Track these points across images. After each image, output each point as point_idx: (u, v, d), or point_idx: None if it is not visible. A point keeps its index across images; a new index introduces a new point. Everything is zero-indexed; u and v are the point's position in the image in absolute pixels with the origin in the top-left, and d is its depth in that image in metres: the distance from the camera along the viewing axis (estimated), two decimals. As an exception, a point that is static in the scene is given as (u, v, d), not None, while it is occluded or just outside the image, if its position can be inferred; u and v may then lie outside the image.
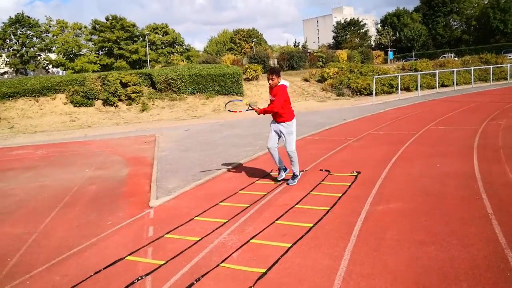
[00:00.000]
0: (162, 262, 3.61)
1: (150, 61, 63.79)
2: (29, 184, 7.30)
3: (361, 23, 78.50)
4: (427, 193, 5.02)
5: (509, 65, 28.95)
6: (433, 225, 3.99)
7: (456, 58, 40.07)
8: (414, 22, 66.24)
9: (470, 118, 11.75)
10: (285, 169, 5.97)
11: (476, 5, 63.36)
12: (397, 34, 63.67)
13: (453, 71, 25.26)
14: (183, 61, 55.66)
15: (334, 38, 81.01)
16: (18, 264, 3.82)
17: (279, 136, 5.83)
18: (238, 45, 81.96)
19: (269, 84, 5.65)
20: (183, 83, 23.07)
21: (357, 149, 8.31)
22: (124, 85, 21.77)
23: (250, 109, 6.02)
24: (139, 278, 3.33)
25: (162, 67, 31.01)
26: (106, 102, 21.25)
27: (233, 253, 3.69)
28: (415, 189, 5.22)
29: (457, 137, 8.75)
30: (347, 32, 77.85)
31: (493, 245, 3.42)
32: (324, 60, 35.69)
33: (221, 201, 5.31)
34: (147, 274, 3.40)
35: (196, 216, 4.79)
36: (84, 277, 3.43)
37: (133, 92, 21.61)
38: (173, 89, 23.01)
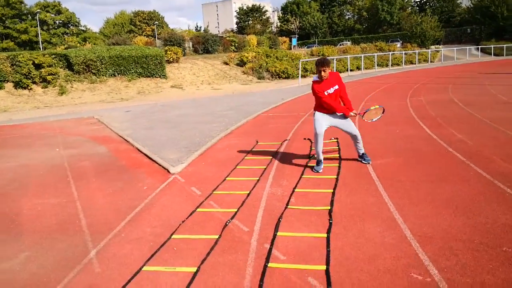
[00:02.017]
0: (235, 210, 4.14)
1: (42, 42, 58.27)
2: (4, 164, 6.97)
3: (263, 10, 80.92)
4: (406, 150, 6.17)
5: (403, 52, 32.86)
6: (431, 169, 5.10)
7: (350, 45, 43.80)
8: (313, 10, 70.36)
9: (392, 96, 13.62)
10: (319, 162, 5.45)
11: (367, -4, 69.60)
12: (297, 22, 67.12)
13: (361, 56, 27.92)
14: (80, 43, 51.92)
15: (237, 23, 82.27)
16: (93, 224, 4.00)
17: (329, 126, 5.36)
18: (139, 27, 78.79)
19: (322, 76, 5.03)
20: (103, 65, 22.14)
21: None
22: (38, 66, 20.19)
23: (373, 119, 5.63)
24: (228, 222, 3.83)
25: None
26: (18, 85, 19.53)
27: (289, 199, 4.36)
28: (395, 148, 6.35)
29: (395, 111, 10.28)
30: (250, 18, 79.63)
31: (482, 179, 4.61)
32: (236, 44, 36.58)
33: (237, 165, 5.86)
34: (231, 218, 3.92)
35: (227, 177, 5.29)
36: (173, 226, 3.82)
37: (49, 74, 20.20)
38: (92, 71, 21.95)
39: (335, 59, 25.21)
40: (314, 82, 5.22)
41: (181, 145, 7.44)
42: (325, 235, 3.45)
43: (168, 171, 5.73)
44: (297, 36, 61.68)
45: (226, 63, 27.68)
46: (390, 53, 31.09)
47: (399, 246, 3.17)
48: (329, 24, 70.25)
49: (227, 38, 36.72)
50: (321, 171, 5.28)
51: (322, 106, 5.20)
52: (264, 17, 78.69)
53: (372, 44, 40.66)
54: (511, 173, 4.74)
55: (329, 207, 4.05)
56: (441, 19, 53.77)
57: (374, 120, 5.68)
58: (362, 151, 5.55)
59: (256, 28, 73.25)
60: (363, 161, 5.55)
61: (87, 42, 55.28)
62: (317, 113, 5.35)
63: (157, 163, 6.24)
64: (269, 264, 3.01)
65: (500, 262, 2.83)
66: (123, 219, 4.08)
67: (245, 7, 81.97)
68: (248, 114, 10.86)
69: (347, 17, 75.84)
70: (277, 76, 25.64)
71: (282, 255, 3.15)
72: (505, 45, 39.98)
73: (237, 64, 27.85)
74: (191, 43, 33.89)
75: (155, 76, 23.47)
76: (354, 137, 5.42)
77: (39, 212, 4.44)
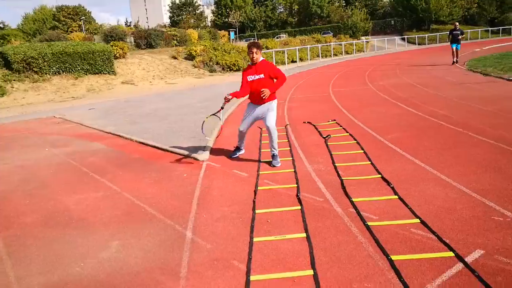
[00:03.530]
0: (295, 185, 4.44)
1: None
2: (1, 166, 6.60)
3: (196, 4, 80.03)
4: (405, 126, 6.82)
5: (342, 43, 34.48)
6: (439, 139, 5.76)
7: (291, 38, 45.01)
8: (247, 4, 70.93)
9: (351, 82, 14.49)
10: (239, 149, 5.76)
11: (297, -9, 71.54)
12: (238, 15, 67.35)
13: (307, 48, 28.91)
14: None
15: (170, 18, 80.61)
16: (163, 210, 4.08)
17: (254, 121, 5.36)
18: (64, 23, 74.26)
19: (252, 58, 5.00)
20: (45, 62, 20.87)
21: (297, 108, 9.80)
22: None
23: (229, 99, 5.21)
24: (298, 195, 4.13)
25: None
26: (-50, 86, 17.83)
27: (338, 172, 4.74)
28: (394, 125, 6.98)
29: (366, 94, 11.05)
30: (183, 12, 78.43)
31: (487, 144, 5.34)
32: (178, 39, 36.06)
33: (260, 149, 6.12)
34: (299, 192, 4.22)
35: (260, 160, 5.55)
36: (247, 204, 4.04)
37: (-15, 75, 18.64)
38: (34, 69, 20.60)
39: (286, 51, 25.90)
40: (247, 66, 5.22)
41: (185, 136, 7.50)
42: (396, 196, 3.88)
43: (196, 159, 5.82)
44: (234, 29, 61.92)
45: (174, 57, 27.27)
46: (332, 44, 32.50)
47: (466, 199, 3.69)
48: (264, 18, 71.34)
49: (169, 33, 36.02)
50: (236, 156, 5.68)
51: (249, 94, 5.20)
52: (198, 11, 77.89)
53: (309, 36, 42.10)
54: (504, 137, 5.52)
55: (379, 175, 4.49)
56: (366, 12, 56.88)
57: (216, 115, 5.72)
58: (274, 151, 5.18)
59: (190, 23, 72.36)
60: (271, 163, 5.16)
61: (7, 40, 50.96)
62: (248, 104, 5.43)
63: (177, 154, 6.28)
64: (369, 223, 3.36)
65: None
66: (190, 203, 4.19)
67: (177, 1, 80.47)
68: (229, 104, 11.02)
69: (279, 11, 77.43)
70: (228, 69, 25.79)
71: (372, 215, 3.52)
72: (426, 35, 43.46)
73: (186, 58, 27.55)
74: (132, 38, 32.79)
75: (103, 73, 22.56)
76: (268, 130, 5.12)
77: (91, 206, 4.39)
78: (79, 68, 21.70)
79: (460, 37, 17.23)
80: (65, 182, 5.37)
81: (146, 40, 32.63)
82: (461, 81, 11.98)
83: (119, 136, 8.25)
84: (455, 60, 17.43)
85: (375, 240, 3.09)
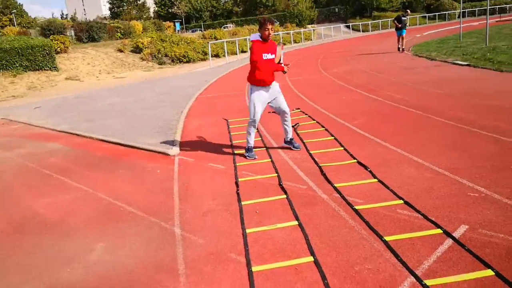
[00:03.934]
0: (276, 174, 4.47)
1: None
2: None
3: (137, -6, 77.33)
4: (368, 111, 7.06)
5: (291, 32, 34.83)
6: (403, 122, 6.03)
7: (239, 28, 44.85)
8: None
9: (306, 70, 14.74)
10: (250, 150, 5.15)
11: (241, -20, 71.03)
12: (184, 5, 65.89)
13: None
14: None
15: (110, 9, 77.45)
16: (145, 208, 3.96)
17: (264, 106, 5.02)
18: (-7, 17, 69.05)
19: (268, 35, 4.65)
20: (-21, 60, 19.38)
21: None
22: None
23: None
24: (281, 183, 4.17)
25: None
26: None
27: (314, 159, 4.83)
28: (357, 110, 7.19)
29: (323, 82, 11.29)
30: (124, 3, 75.64)
31: (448, 125, 5.66)
32: (122, 31, 34.78)
33: (232, 140, 6.09)
34: (281, 181, 4.26)
35: (235, 152, 5.52)
36: (231, 196, 4.02)
37: None
38: (-33, 67, 19.08)
39: (237, 41, 25.74)
40: (255, 41, 4.68)
41: (149, 131, 7.30)
42: (376, 180, 4.02)
43: (167, 154, 5.69)
44: (180, 20, 60.62)
45: (120, 51, 26.28)
46: (280, 33, 32.75)
47: (441, 178, 3.90)
48: (209, 8, 70.39)
49: (112, 25, 34.59)
50: (257, 156, 5.05)
51: (258, 74, 4.72)
52: (139, 2, 75.36)
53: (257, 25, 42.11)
54: (463, 118, 5.89)
55: (355, 160, 4.63)
56: (311, 0, 57.76)
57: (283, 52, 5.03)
58: (290, 135, 5.16)
59: (132, 14, 69.97)
60: (292, 148, 5.17)
61: None
62: (253, 89, 4.86)
63: (145, 150, 6.10)
64: (356, 207, 3.46)
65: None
66: (172, 199, 4.10)
67: (116, -8, 77.23)
68: (187, 97, 10.85)
69: (224, 1, 76.67)
70: (178, 61, 25.27)
71: (357, 199, 3.63)
72: (369, 22, 44.99)
73: (133, 51, 26.65)
74: (73, 32, 31.16)
75: (44, 69, 21.32)
76: (284, 114, 5.02)
77: (64, 209, 4.16)
78: (17, 65, 20.40)
79: (406, 24, 17.33)
80: (28, 186, 5.05)
81: (88, 33, 31.17)
82: (410, 66, 12.55)
83: (76, 134, 7.87)
84: (403, 47, 17.27)
85: (365, 223, 3.19)
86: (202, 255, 2.99)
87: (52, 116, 10.25)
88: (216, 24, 63.39)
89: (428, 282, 2.41)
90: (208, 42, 23.77)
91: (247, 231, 3.26)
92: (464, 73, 10.32)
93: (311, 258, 2.78)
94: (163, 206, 3.96)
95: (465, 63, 11.41)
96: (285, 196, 3.85)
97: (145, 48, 26.22)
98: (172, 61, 25.34)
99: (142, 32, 35.26)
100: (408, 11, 18.17)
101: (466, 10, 21.29)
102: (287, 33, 35.70)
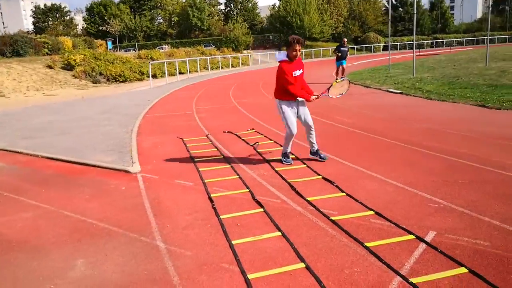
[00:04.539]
0: (247, 190, 4.60)
1: None
2: None
3: (64, 10, 74.51)
4: (323, 133, 7.43)
5: (229, 56, 35.46)
6: (357, 143, 6.50)
7: (175, 49, 44.82)
8: (123, 13, 68.37)
9: (251, 93, 15.15)
10: (287, 155, 5.50)
11: (176, 2, 71.34)
12: (108, 23, 64.27)
13: (197, 59, 29.07)
14: None
15: (34, 24, 73.58)
16: (120, 224, 3.87)
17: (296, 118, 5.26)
18: None
19: (295, 56, 4.92)
20: None
21: (210, 118, 9.95)
22: None
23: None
24: (255, 198, 4.31)
25: None
26: None
27: (281, 176, 5.04)
28: (321, 131, 7.56)
29: (271, 105, 11.67)
30: (49, 18, 72.34)
31: (397, 145, 6.20)
32: (50, 47, 33.19)
33: (194, 158, 6.13)
34: (253, 196, 4.39)
35: (200, 168, 5.57)
36: (208, 211, 4.08)
37: None
38: None
39: (176, 62, 25.68)
40: (282, 61, 4.94)
41: (100, 148, 7.08)
42: (344, 193, 4.31)
43: (128, 172, 5.58)
44: (112, 39, 59.10)
45: (50, 67, 24.96)
46: (219, 56, 33.25)
47: (402, 191, 4.28)
48: (142, 28, 69.55)
49: (39, 40, 32.83)
50: (292, 162, 5.42)
51: (287, 91, 4.97)
52: (67, 18, 72.52)
53: (194, 48, 42.41)
54: (408, 139, 6.50)
55: (320, 176, 4.91)
56: (246, 27, 59.56)
57: (342, 94, 5.62)
58: (316, 146, 5.44)
59: (59, 30, 67.03)
60: (319, 159, 5.43)
61: None
62: (283, 103, 5.10)
63: (102, 167, 5.92)
64: (333, 218, 3.70)
65: (468, 180, 4.23)
66: (146, 215, 4.06)
67: (42, 6, 73.81)
68: (133, 116, 10.65)
69: (157, 22, 76.27)
70: (114, 80, 24.56)
71: (332, 211, 3.87)
72: (303, 51, 47.26)
73: (63, 68, 25.45)
74: (-4, 44, 29.04)
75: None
76: (309, 128, 5.24)
77: (27, 227, 3.92)
78: None
79: (348, 54, 16.76)
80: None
81: (12, 47, 29.30)
82: (349, 93, 13.39)
83: (18, 152, 7.38)
84: (342, 77, 15.32)
85: (345, 231, 3.42)
86: (193, 266, 3.00)
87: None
88: (150, 44, 62.72)
89: (413, 280, 2.66)
90: (149, 62, 23.43)
91: (233, 242, 3.34)
92: (399, 100, 11.29)
93: (302, 265, 2.93)
94: (138, 221, 3.89)
95: (398, 91, 12.48)
96: (262, 209, 3.98)
97: (77, 65, 25.21)
98: (108, 80, 24.59)
99: (72, 49, 33.89)
100: (345, 39, 17.38)
101: (389, 44, 23.45)
102: (224, 57, 36.30)
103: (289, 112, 5.12)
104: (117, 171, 5.66)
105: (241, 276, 2.83)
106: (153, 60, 29.47)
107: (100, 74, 25.02)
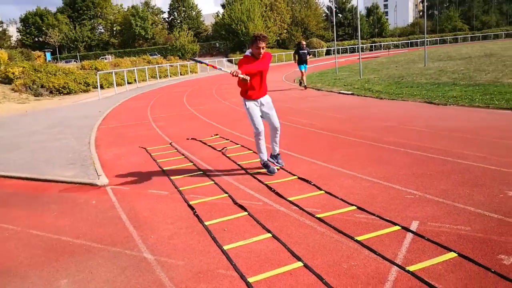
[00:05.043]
0: (226, 194, 4.56)
1: None
2: None
3: (-5, 21, 70.19)
4: (286, 134, 7.54)
5: (178, 64, 34.98)
6: (322, 142, 6.63)
7: (120, 59, 43.62)
8: (61, 23, 65.51)
9: (205, 100, 15.05)
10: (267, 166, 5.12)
11: (117, 12, 69.41)
12: (46, 34, 61.28)
13: (145, 68, 28.41)
14: None
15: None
16: (98, 240, 3.69)
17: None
18: None
19: (258, 54, 4.74)
20: None
21: (170, 126, 9.77)
22: None
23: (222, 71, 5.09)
24: (236, 202, 4.28)
25: None
26: None
27: (257, 179, 5.05)
28: (283, 133, 7.64)
29: (227, 110, 11.68)
30: (-21, 29, 67.86)
31: (359, 143, 6.42)
32: (-17, 59, 31.05)
33: (162, 167, 5.98)
34: (234, 200, 4.36)
35: (171, 177, 5.45)
36: (190, 218, 4.00)
37: None
38: None
39: (125, 72, 24.97)
40: (245, 56, 4.86)
41: (59, 163, 6.72)
42: (323, 191, 4.39)
43: (95, 185, 5.34)
44: (51, 50, 56.35)
45: (-16, 81, 23.34)
46: (167, 65, 32.74)
47: (378, 186, 4.43)
48: (82, 38, 66.95)
49: (-30, 52, 30.61)
50: (276, 171, 5.08)
51: (244, 87, 4.88)
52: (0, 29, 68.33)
53: (140, 58, 41.48)
54: (369, 136, 6.75)
55: (295, 176, 4.97)
56: (192, 35, 59.10)
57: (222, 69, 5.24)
58: (277, 149, 5.28)
59: (-12, 41, 63.01)
60: (276, 164, 5.24)
61: None
62: (247, 101, 4.95)
63: (65, 182, 5.62)
64: (318, 215, 3.75)
65: (435, 171, 4.46)
66: (125, 228, 3.90)
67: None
68: (87, 128, 10.21)
69: (98, 32, 73.79)
70: (57, 92, 23.40)
71: (315, 209, 3.93)
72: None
73: (1, 82, 23.89)
74: None
75: None
76: (275, 130, 5.10)
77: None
78: None
79: (308, 57, 15.17)
80: None
81: None
82: (302, 96, 13.73)
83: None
84: (304, 84, 15.26)
85: (333, 228, 3.48)
86: (189, 276, 2.92)
87: None
88: (92, 55, 60.60)
89: (410, 268, 2.75)
90: (96, 73, 22.57)
91: (225, 247, 3.28)
92: (351, 100, 11.70)
93: (300, 263, 2.94)
94: (118, 235, 3.73)
95: (349, 92, 12.94)
96: (246, 212, 3.96)
97: (16, 78, 23.76)
98: (51, 92, 23.40)
99: (8, 61, 31.91)
100: (303, 42, 15.81)
101: (335, 48, 24.42)
102: (172, 65, 35.79)
103: (253, 109, 4.95)
104: (83, 185, 5.40)
105: (241, 280, 2.79)
106: (98, 71, 28.43)
107: (42, 86, 23.74)
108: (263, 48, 4.72)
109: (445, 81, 13.64)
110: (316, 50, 59.01)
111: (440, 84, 12.83)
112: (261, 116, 5.01)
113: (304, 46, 15.23)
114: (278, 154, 5.30)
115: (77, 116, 12.99)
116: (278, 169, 5.19)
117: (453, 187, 4.20)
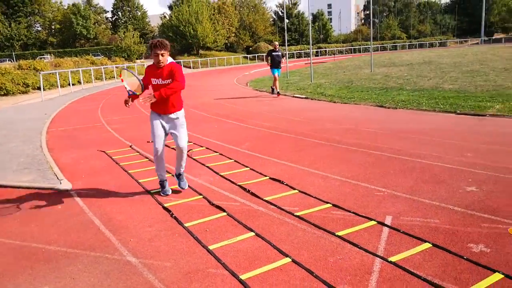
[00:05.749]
0: (202, 196, 4.57)
1: None
2: None
3: None
4: (250, 136, 7.68)
5: (124, 65, 33.90)
6: (288, 144, 6.79)
7: (62, 59, 41.56)
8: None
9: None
10: (178, 175, 4.71)
11: (57, 9, 66.05)
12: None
13: (90, 69, 27.27)
14: None
15: None
16: (79, 245, 3.57)
17: (166, 134, 4.47)
18: None
19: (160, 61, 4.13)
20: None
21: (127, 129, 9.53)
22: None
23: (131, 93, 4.29)
24: (213, 203, 4.31)
25: None
26: None
27: (230, 180, 5.10)
28: (237, 136, 7.72)
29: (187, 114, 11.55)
30: None
31: (324, 144, 6.66)
32: None
33: (127, 170, 5.84)
34: (211, 201, 4.38)
35: (140, 180, 5.34)
36: (169, 221, 3.97)
37: None
38: None
39: (69, 72, 23.82)
40: (148, 66, 4.38)
41: (11, 168, 6.34)
42: (296, 191, 4.53)
43: (57, 189, 5.12)
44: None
45: None
46: (114, 66, 31.66)
47: (347, 184, 4.64)
48: (17, 37, 62.95)
49: None
50: (169, 193, 4.61)
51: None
52: None
53: (83, 58, 39.76)
54: (330, 138, 7.03)
55: (266, 177, 5.07)
56: (138, 36, 57.63)
57: (126, 86, 4.35)
58: (182, 170, 4.68)
59: None
60: (179, 185, 4.71)
61: None
62: (151, 114, 4.46)
63: (24, 188, 5.33)
64: (297, 213, 3.87)
65: (397, 170, 4.75)
66: (101, 233, 3.79)
67: None
68: (34, 131, 9.68)
69: (35, 29, 69.79)
70: (-7, 94, 21.86)
71: (292, 207, 4.05)
72: (199, 59, 47.44)
73: None
74: None
75: None
76: (180, 151, 4.52)
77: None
78: None
79: (282, 59, 13.99)
80: None
81: None
82: (259, 99, 13.89)
83: None
84: (277, 91, 14.11)
85: (313, 225, 3.61)
86: (179, 276, 2.91)
87: None
88: (29, 54, 57.22)
89: (392, 259, 2.94)
90: (39, 73, 21.37)
91: (210, 247, 3.30)
92: (307, 104, 12.04)
93: (288, 259, 3.03)
94: (95, 239, 3.62)
95: (303, 96, 13.30)
96: (225, 213, 3.99)
97: None
98: (-14, 93, 21.80)
99: None
100: (276, 43, 14.22)
101: (287, 52, 25.01)
102: (117, 67, 34.63)
103: (156, 124, 4.38)
104: (44, 190, 5.14)
105: (233, 278, 2.83)
106: (37, 71, 26.90)
107: (-25, 87, 22.08)
108: (162, 55, 4.11)
109: (392, 86, 14.42)
110: (264, 54, 59.81)
111: (388, 89, 13.54)
112: (166, 130, 4.44)
113: (278, 48, 13.83)
114: (181, 174, 4.66)
115: (20, 118, 12.26)
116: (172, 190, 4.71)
117: (417, 184, 4.49)
